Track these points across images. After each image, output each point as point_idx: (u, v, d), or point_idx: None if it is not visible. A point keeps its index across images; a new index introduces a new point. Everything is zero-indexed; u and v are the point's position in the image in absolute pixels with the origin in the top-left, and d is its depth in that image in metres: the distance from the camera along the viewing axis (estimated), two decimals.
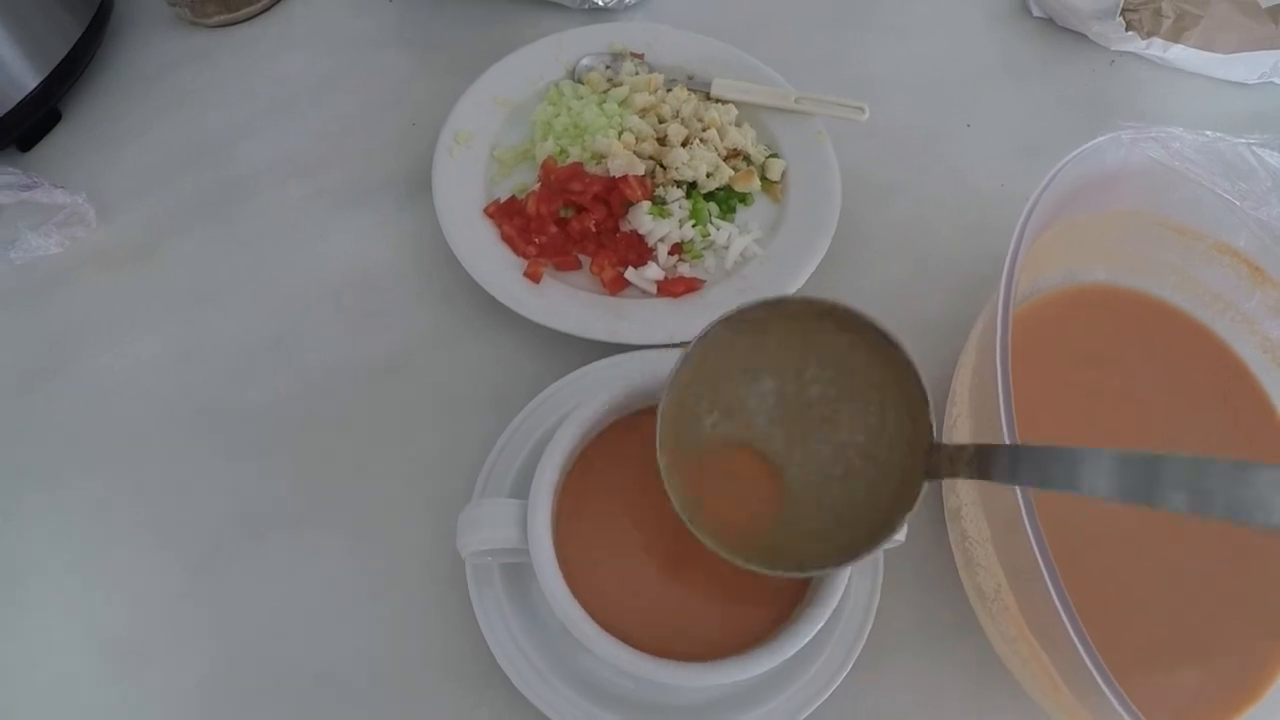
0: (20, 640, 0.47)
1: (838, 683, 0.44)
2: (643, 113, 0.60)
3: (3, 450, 0.52)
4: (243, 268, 0.58)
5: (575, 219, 0.56)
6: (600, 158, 0.58)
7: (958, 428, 0.46)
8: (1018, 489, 0.37)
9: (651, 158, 0.59)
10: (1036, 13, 0.74)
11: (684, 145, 0.59)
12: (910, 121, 0.67)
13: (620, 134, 0.58)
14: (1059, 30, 0.73)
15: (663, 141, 0.60)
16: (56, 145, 0.63)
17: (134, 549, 0.49)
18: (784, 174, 0.60)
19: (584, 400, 0.42)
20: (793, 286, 0.54)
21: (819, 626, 0.39)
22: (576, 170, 0.57)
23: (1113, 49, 0.71)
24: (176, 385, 0.54)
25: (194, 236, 0.59)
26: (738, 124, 0.61)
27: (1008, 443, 0.37)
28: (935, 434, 0.36)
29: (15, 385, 0.54)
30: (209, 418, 0.53)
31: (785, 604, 0.42)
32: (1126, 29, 0.69)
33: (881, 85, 0.68)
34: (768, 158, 0.60)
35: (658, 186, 0.58)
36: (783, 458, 0.38)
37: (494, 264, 0.54)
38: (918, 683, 0.48)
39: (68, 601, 0.48)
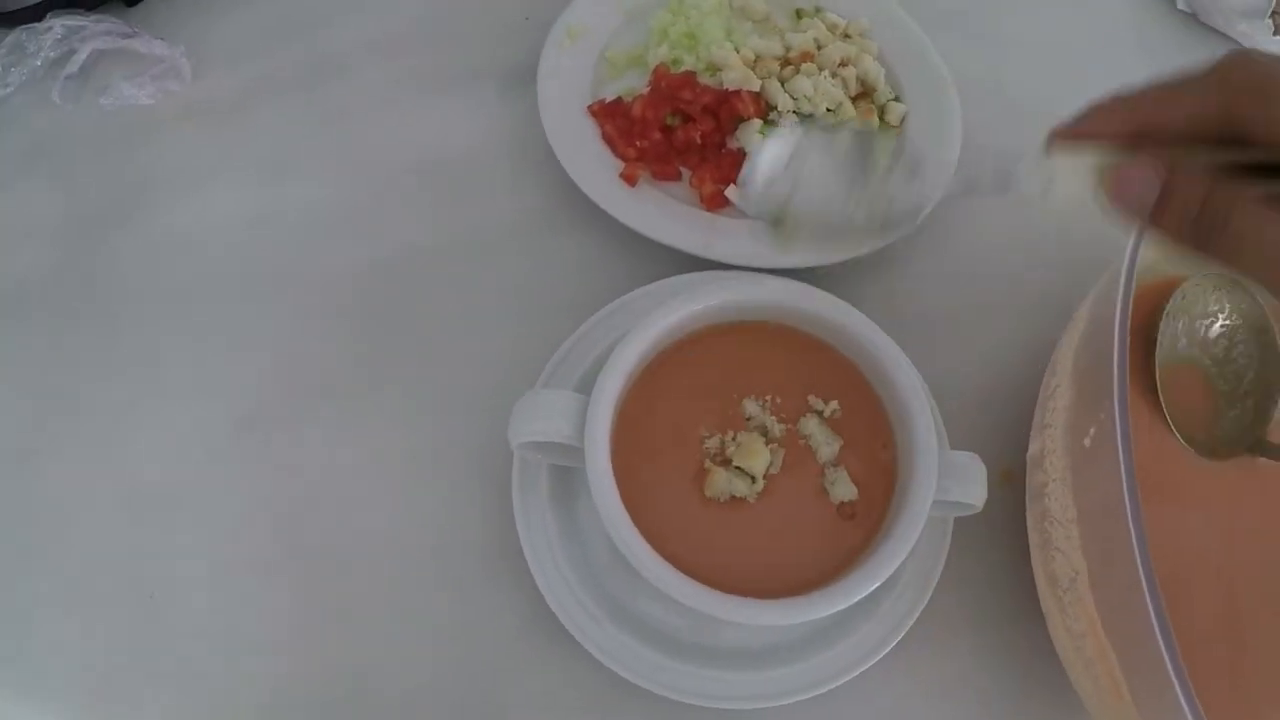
0: (52, 479, 0.46)
1: (886, 649, 0.42)
2: (767, 30, 0.58)
3: (65, 288, 0.51)
4: (330, 139, 0.57)
5: (681, 129, 0.54)
6: (715, 70, 0.56)
7: (1055, 398, 0.43)
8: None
9: (773, 76, 0.56)
10: (1181, 5, 0.72)
11: (808, 75, 0.56)
12: (1037, 90, 0.63)
13: (738, 49, 0.56)
14: (1202, 26, 0.71)
15: (786, 64, 0.57)
16: (160, 4, 0.62)
17: (179, 403, 0.48)
18: (903, 119, 0.57)
19: (666, 304, 0.40)
20: (895, 235, 0.52)
21: (889, 572, 0.37)
22: (689, 79, 0.55)
23: None
24: (248, 246, 0.53)
25: (285, 104, 0.58)
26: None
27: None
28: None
29: (87, 226, 0.53)
30: (275, 282, 0.52)
31: (844, 552, 0.39)
32: (1275, 32, 0.66)
33: (1013, 48, 0.65)
34: (889, 100, 0.58)
35: (771, 109, 0.55)
36: None
37: (590, 162, 0.52)
38: (964, 663, 0.46)
39: (105, 446, 0.47)
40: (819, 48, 0.58)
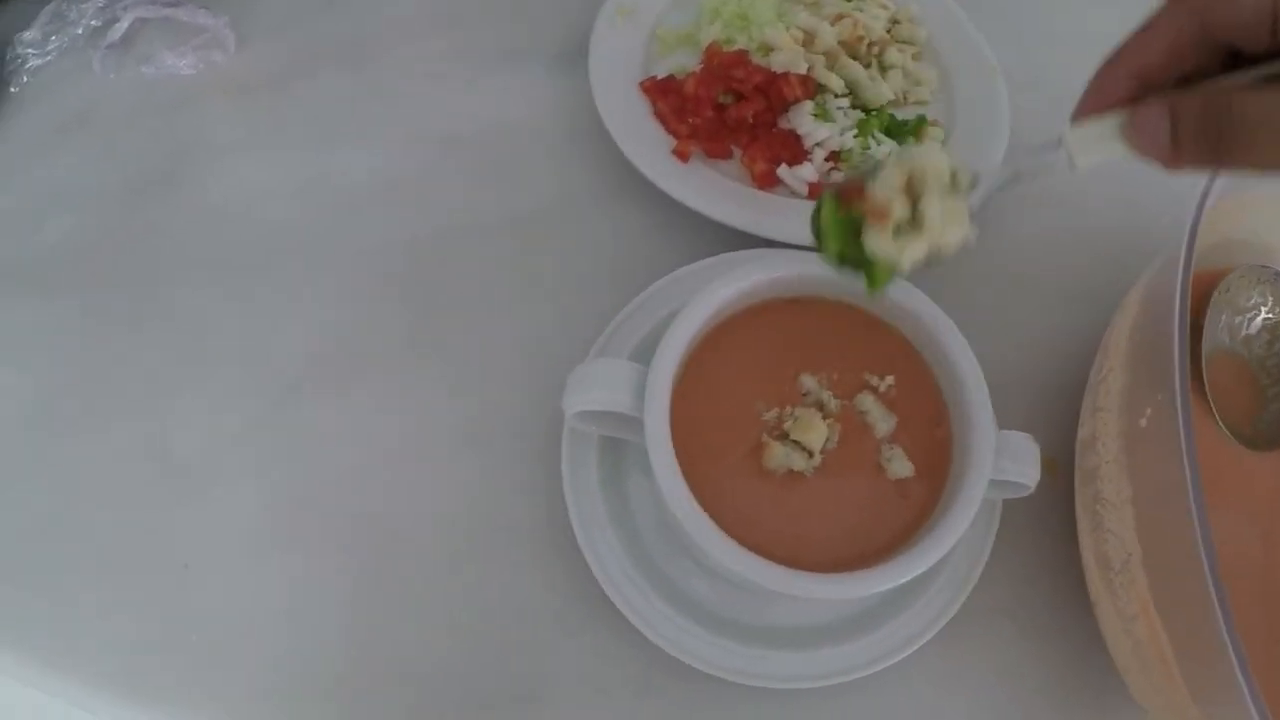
0: (89, 447, 0.46)
1: (933, 632, 0.42)
2: (817, 13, 0.58)
3: (103, 257, 0.51)
4: (375, 112, 0.57)
5: (734, 107, 0.54)
6: (767, 50, 0.56)
7: (1108, 381, 0.43)
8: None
9: (825, 53, 0.56)
10: None
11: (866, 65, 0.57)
12: (1082, 80, 0.63)
13: (788, 28, 0.56)
14: None
15: (845, 50, 0.57)
16: None
17: (218, 372, 0.48)
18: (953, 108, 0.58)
19: (723, 277, 0.40)
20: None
21: (946, 549, 0.36)
22: (741, 57, 0.55)
23: None
24: (290, 217, 0.53)
25: (329, 75, 0.58)
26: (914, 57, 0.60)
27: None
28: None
29: (127, 193, 0.53)
30: (318, 253, 0.52)
31: (899, 528, 0.39)
32: None
33: (1057, 40, 0.65)
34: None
35: (820, 91, 0.55)
36: None
37: (642, 138, 0.52)
38: (1009, 646, 0.45)
39: (142, 415, 0.47)
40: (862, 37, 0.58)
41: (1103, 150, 0.31)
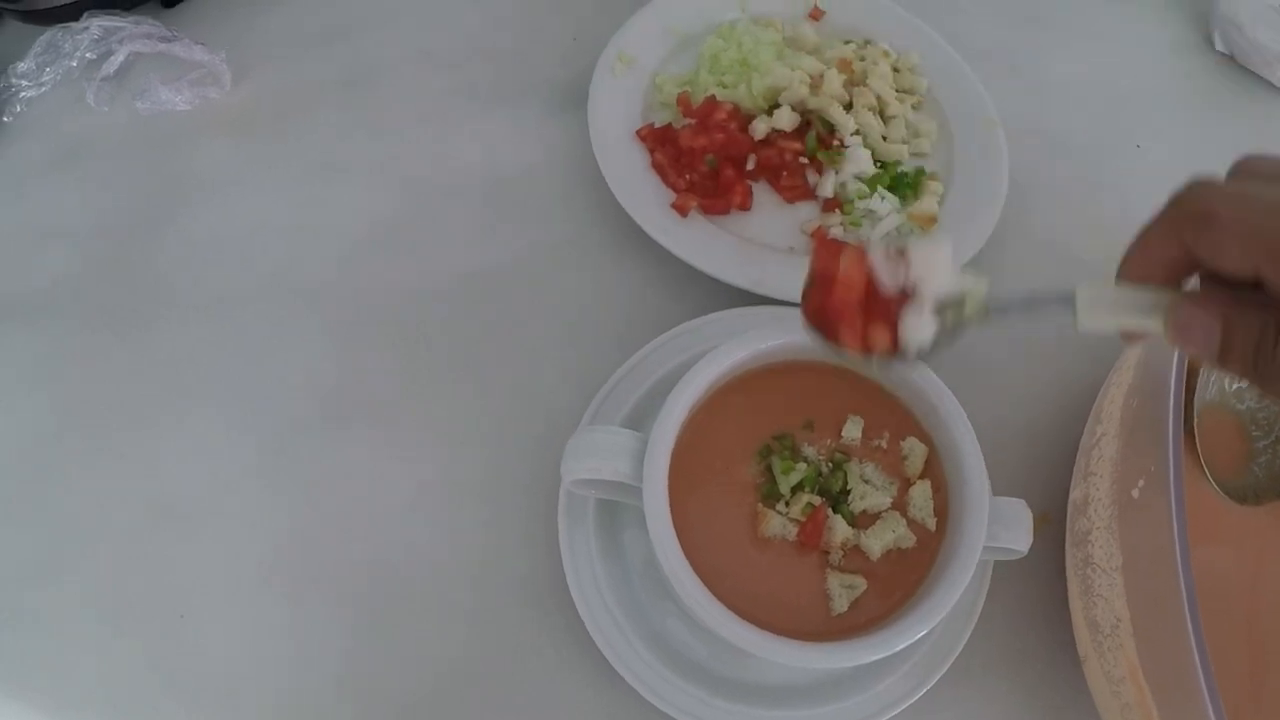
0: (81, 489, 0.46)
1: (924, 690, 0.42)
2: (831, 64, 0.58)
3: (96, 293, 0.51)
4: (371, 152, 0.57)
5: (724, 168, 0.54)
6: (770, 98, 0.56)
7: (1100, 446, 0.43)
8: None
9: (835, 103, 0.57)
10: (1219, 47, 0.72)
11: (875, 112, 0.57)
12: (1080, 130, 0.65)
13: (793, 70, 0.56)
14: (1239, 69, 0.72)
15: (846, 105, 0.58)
16: (199, 6, 0.62)
17: (211, 413, 0.48)
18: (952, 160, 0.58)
19: (725, 344, 0.40)
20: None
21: (939, 618, 0.37)
22: (733, 114, 0.55)
23: None
24: (284, 257, 0.52)
25: (325, 114, 0.58)
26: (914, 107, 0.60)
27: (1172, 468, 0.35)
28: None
29: (120, 230, 0.53)
30: (312, 295, 0.51)
31: (894, 598, 0.39)
32: None
33: (1056, 89, 0.65)
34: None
35: (829, 131, 0.56)
36: None
37: (641, 190, 0.52)
38: (1000, 703, 0.46)
39: (136, 456, 0.46)
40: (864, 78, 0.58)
41: (1117, 320, 0.31)
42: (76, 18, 0.58)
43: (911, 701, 0.42)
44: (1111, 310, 0.31)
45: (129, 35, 0.58)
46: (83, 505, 0.45)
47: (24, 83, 0.57)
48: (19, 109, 0.57)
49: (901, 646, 0.37)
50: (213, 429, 0.47)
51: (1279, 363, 0.27)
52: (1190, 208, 0.28)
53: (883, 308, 0.33)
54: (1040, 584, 0.48)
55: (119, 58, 0.58)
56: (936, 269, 0.33)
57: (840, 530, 0.39)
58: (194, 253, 0.52)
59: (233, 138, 0.57)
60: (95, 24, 0.58)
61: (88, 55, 0.58)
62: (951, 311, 0.33)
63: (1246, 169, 0.29)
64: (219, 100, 0.58)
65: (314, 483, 0.46)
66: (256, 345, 0.50)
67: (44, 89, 0.57)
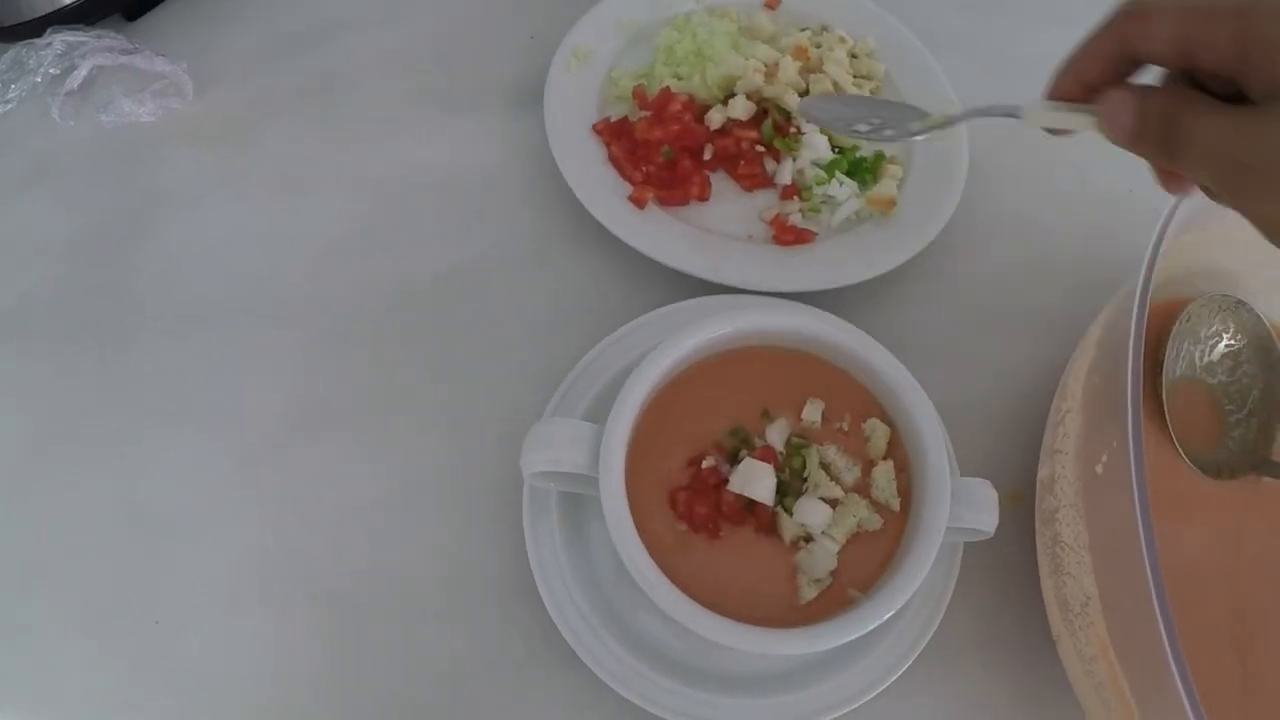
0: (57, 502, 0.46)
1: (894, 677, 0.42)
2: (787, 51, 0.58)
3: (68, 308, 0.51)
4: (336, 159, 0.57)
5: (682, 158, 0.54)
6: (727, 87, 0.56)
7: (1065, 423, 0.43)
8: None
9: (790, 90, 0.56)
10: None
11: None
12: None
13: (747, 59, 0.56)
14: None
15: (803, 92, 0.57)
16: (162, 19, 0.62)
17: (185, 425, 0.48)
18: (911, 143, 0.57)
19: (677, 332, 0.40)
20: (905, 257, 0.52)
21: (903, 601, 0.37)
22: (688, 106, 0.55)
23: None
24: (254, 267, 0.52)
25: (289, 122, 0.58)
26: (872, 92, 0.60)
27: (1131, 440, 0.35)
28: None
29: (90, 245, 0.53)
30: (282, 304, 0.51)
31: (859, 580, 0.39)
32: None
33: (1015, 70, 0.64)
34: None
35: (786, 118, 0.56)
36: None
37: (598, 185, 0.52)
38: (974, 685, 0.45)
39: (110, 470, 0.46)
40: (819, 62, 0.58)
41: (1058, 121, 0.35)
42: (40, 34, 0.58)
43: (885, 685, 0.42)
44: (1051, 115, 0.35)
45: (91, 49, 0.58)
46: (60, 518, 0.45)
47: None
48: None
49: (867, 630, 0.37)
50: (188, 440, 0.47)
51: (1192, 137, 0.29)
52: (1126, 7, 0.31)
53: None
54: (1012, 565, 0.47)
55: (82, 72, 0.58)
56: None
57: (789, 528, 0.39)
58: (165, 265, 0.52)
59: (197, 148, 0.57)
60: (58, 39, 0.58)
61: (51, 71, 0.58)
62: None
63: None
64: (182, 111, 0.58)
65: (288, 490, 0.46)
66: (229, 356, 0.50)
67: (9, 106, 0.57)
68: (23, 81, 0.58)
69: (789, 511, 0.39)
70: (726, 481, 0.39)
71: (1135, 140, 0.31)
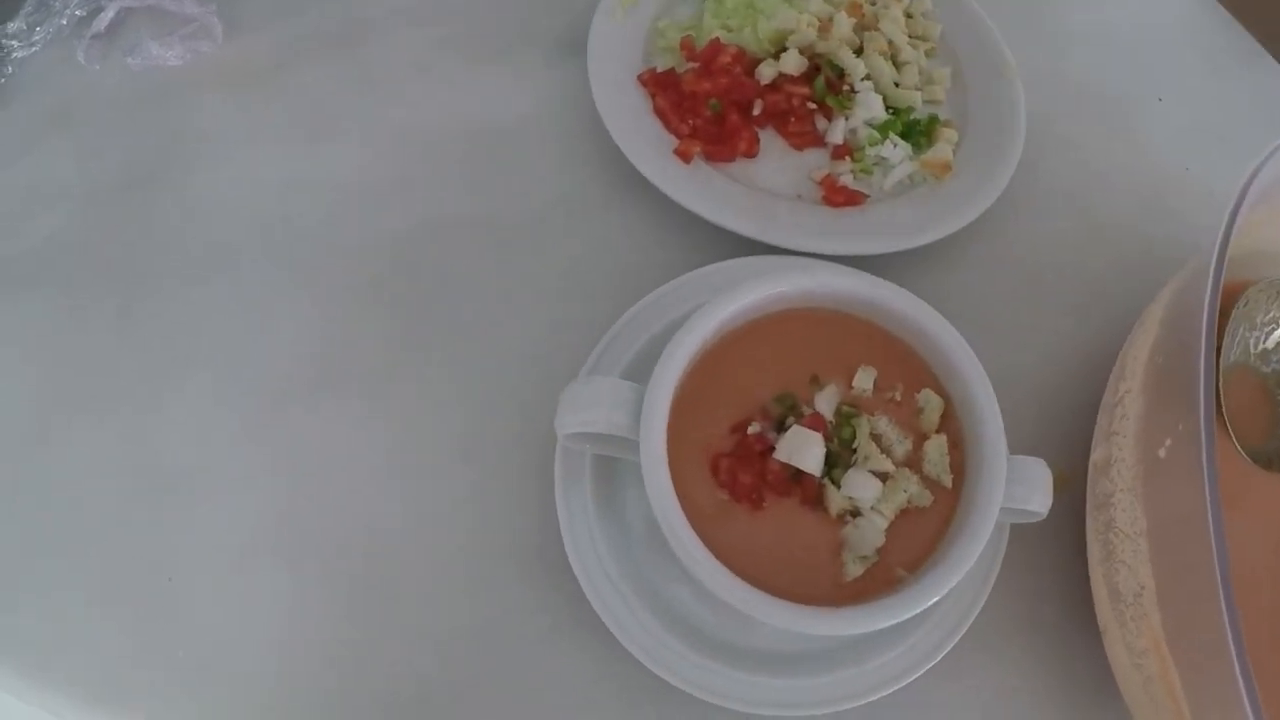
0: (69, 456, 0.44)
1: (939, 657, 0.41)
2: (841, 7, 0.56)
3: (88, 255, 0.49)
4: (367, 106, 0.55)
5: (730, 112, 0.52)
6: (777, 45, 0.54)
7: (1124, 404, 0.41)
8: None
9: (844, 45, 0.55)
10: None
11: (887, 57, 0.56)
12: (1101, 80, 0.64)
13: (801, 13, 0.54)
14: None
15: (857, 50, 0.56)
16: None
17: (206, 375, 0.46)
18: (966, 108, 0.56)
19: (726, 291, 0.38)
20: (958, 224, 0.50)
21: (953, 583, 0.35)
22: (739, 57, 0.53)
23: None
24: (279, 214, 0.51)
25: (320, 67, 0.56)
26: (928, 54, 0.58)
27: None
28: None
29: (113, 189, 0.51)
30: (309, 253, 0.50)
31: (907, 559, 0.37)
32: None
33: (1076, 38, 0.64)
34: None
35: (840, 78, 0.54)
36: None
37: (643, 136, 0.51)
38: (1015, 673, 0.44)
39: (125, 423, 0.45)
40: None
41: None
42: None
43: (925, 669, 0.40)
44: None
45: None
46: (72, 471, 0.44)
47: (15, 43, 0.56)
48: (10, 70, 0.55)
49: (914, 613, 0.35)
50: (204, 393, 0.46)
51: None
52: None
53: None
54: (1058, 548, 0.46)
55: (109, 14, 0.56)
56: None
57: (836, 501, 0.37)
58: (187, 212, 0.51)
59: (226, 93, 0.55)
60: None
61: (77, 13, 0.56)
62: None
63: None
64: (211, 55, 0.56)
65: (305, 448, 0.45)
66: (249, 307, 0.48)
67: (34, 48, 0.56)
68: (48, 24, 0.56)
69: (837, 484, 0.37)
70: (773, 449, 0.37)
71: None
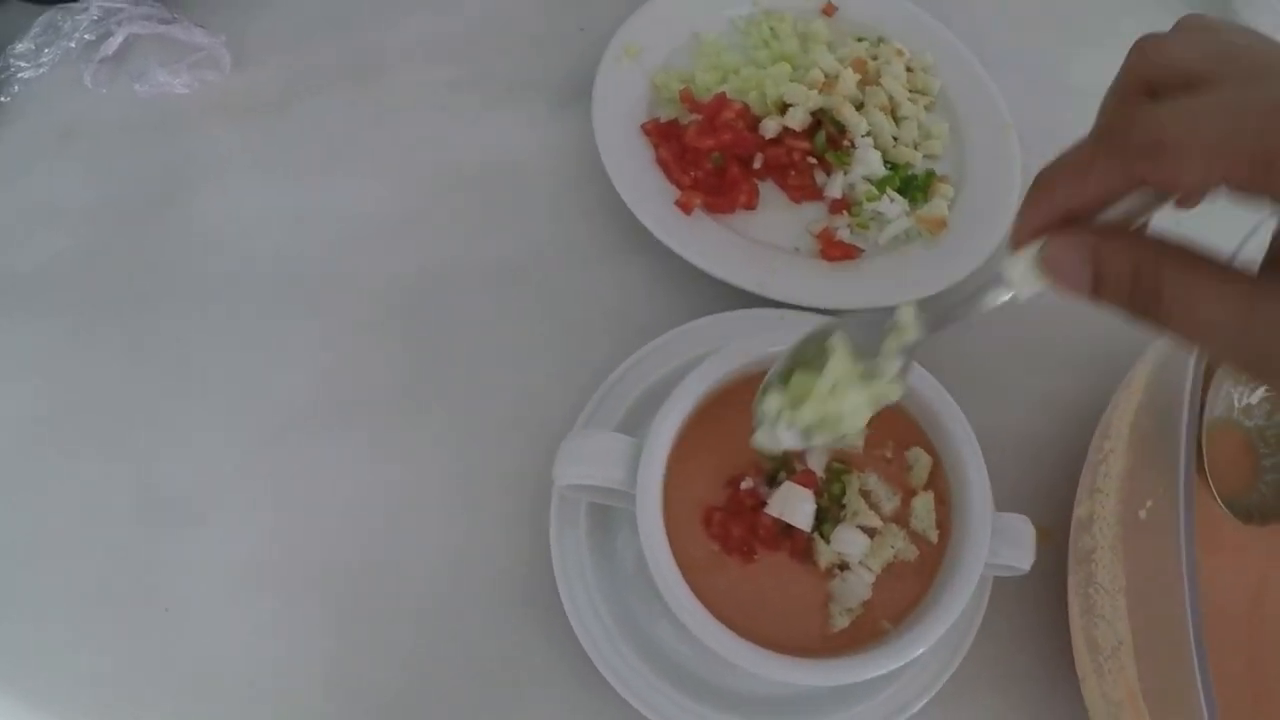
0: (70, 480, 0.45)
1: (914, 710, 0.42)
2: (845, 62, 0.58)
3: (90, 279, 0.50)
4: (374, 143, 0.56)
5: (731, 166, 0.53)
6: (780, 107, 0.55)
7: (1108, 463, 0.42)
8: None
9: (846, 102, 0.56)
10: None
11: (887, 112, 0.57)
12: None
13: (808, 71, 0.56)
14: None
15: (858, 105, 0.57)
16: None
17: (203, 405, 0.47)
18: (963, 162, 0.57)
19: (724, 349, 0.39)
20: (950, 280, 0.51)
21: (938, 635, 0.36)
22: (742, 113, 0.54)
23: None
24: (284, 247, 0.52)
25: (328, 102, 0.57)
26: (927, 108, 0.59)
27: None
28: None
29: (117, 214, 0.52)
30: (312, 286, 0.50)
31: (892, 612, 0.38)
32: None
33: (1074, 92, 0.63)
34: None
35: (839, 131, 0.55)
36: None
37: (644, 186, 0.51)
38: (996, 717, 0.45)
39: (125, 449, 0.46)
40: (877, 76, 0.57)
41: (1031, 280, 0.28)
42: None
43: (908, 715, 0.41)
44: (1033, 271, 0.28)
45: (128, 16, 0.57)
46: (71, 493, 0.44)
47: (22, 64, 0.56)
48: (16, 90, 0.56)
49: (898, 665, 0.36)
50: (205, 420, 0.46)
51: (1188, 306, 0.24)
52: (1141, 143, 0.24)
53: None
54: (1040, 601, 0.47)
55: (117, 39, 0.57)
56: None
57: (825, 555, 0.38)
58: (189, 239, 0.51)
59: (231, 123, 0.55)
60: (95, 5, 0.57)
61: (86, 36, 0.57)
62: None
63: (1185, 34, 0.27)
64: (218, 84, 0.56)
65: (303, 480, 0.45)
66: (250, 336, 0.49)
67: (42, 70, 0.56)
68: (56, 46, 0.56)
69: (826, 538, 0.38)
70: (764, 504, 0.38)
71: (1095, 293, 0.26)
